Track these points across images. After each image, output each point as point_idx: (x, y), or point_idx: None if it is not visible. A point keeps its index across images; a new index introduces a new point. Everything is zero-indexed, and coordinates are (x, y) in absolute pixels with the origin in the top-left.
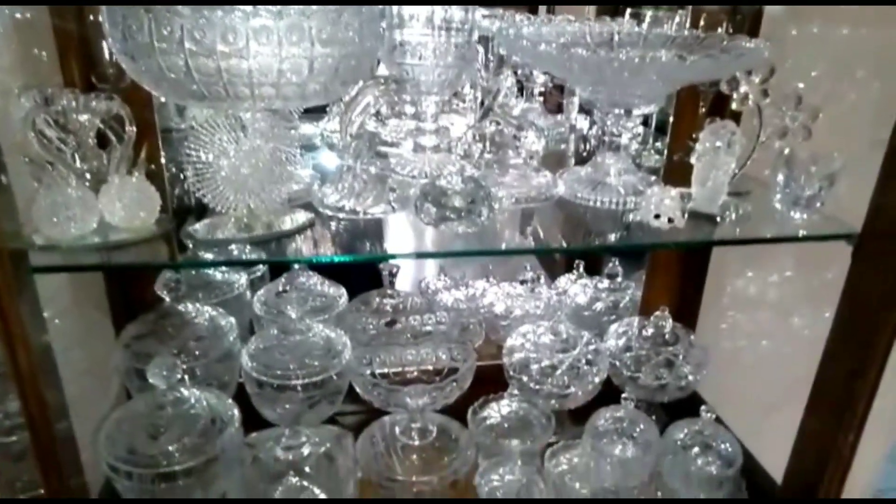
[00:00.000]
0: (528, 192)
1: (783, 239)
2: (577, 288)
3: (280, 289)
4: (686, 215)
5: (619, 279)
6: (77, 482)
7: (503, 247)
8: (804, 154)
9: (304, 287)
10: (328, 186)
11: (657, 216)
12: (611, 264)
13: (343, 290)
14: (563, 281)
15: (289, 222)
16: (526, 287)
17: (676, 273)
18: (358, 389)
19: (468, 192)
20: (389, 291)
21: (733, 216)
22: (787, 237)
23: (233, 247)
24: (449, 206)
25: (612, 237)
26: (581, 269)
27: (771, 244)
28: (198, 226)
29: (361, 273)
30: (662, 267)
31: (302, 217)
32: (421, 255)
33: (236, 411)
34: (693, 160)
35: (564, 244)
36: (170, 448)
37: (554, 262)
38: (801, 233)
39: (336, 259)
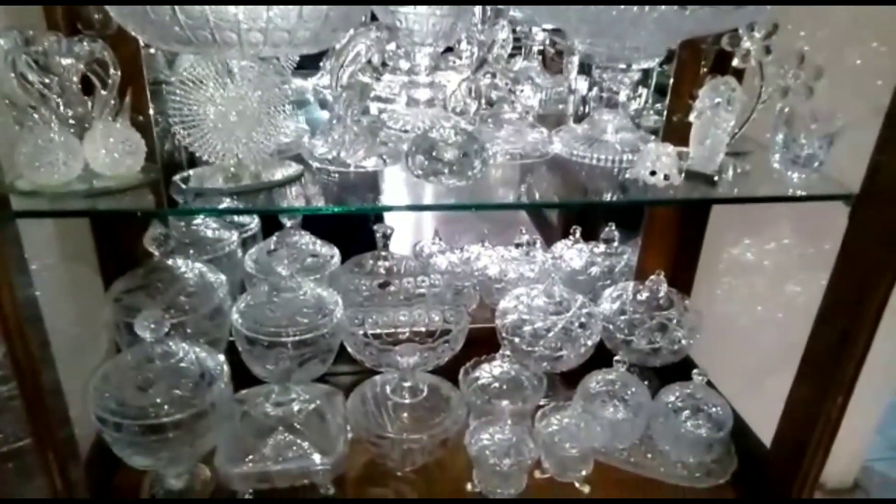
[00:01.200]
0: (523, 148)
1: (780, 198)
2: (572, 252)
3: (272, 248)
4: (683, 174)
5: (616, 244)
6: (65, 433)
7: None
8: (805, 112)
9: (297, 246)
10: (318, 138)
11: (653, 173)
12: (607, 229)
13: (336, 251)
14: (560, 246)
15: (278, 174)
16: (521, 251)
17: (672, 238)
18: (350, 349)
19: (460, 145)
20: (383, 253)
21: (731, 175)
22: (785, 196)
23: (220, 197)
24: (440, 159)
25: (607, 194)
26: (578, 235)
27: (768, 204)
28: (184, 175)
29: (355, 234)
30: (658, 232)
31: (291, 169)
32: (410, 208)
33: (225, 366)
34: (692, 118)
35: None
36: (158, 400)
37: (551, 229)
38: (799, 192)
39: (324, 210)
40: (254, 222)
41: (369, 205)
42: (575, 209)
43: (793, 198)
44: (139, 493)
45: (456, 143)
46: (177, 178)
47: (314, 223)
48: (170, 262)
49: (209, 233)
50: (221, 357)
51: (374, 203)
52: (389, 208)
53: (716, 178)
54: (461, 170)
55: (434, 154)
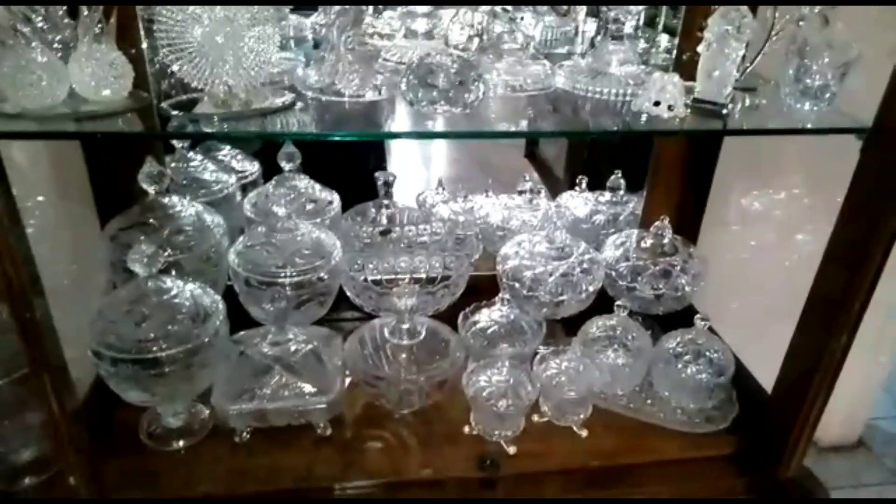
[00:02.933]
0: (524, 81)
1: (790, 131)
2: (577, 201)
3: (271, 191)
4: (688, 106)
5: (621, 192)
6: (58, 358)
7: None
8: (818, 43)
9: (296, 190)
10: (311, 67)
11: (657, 103)
12: (612, 177)
13: (336, 196)
14: (565, 196)
15: (269, 102)
16: (524, 198)
17: (678, 186)
18: (349, 293)
19: (456, 72)
20: (385, 202)
21: (739, 108)
22: (795, 129)
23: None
24: (435, 86)
25: (611, 126)
26: (584, 185)
27: (778, 150)
28: (173, 101)
29: (356, 181)
30: (664, 179)
31: (282, 97)
32: (401, 136)
33: (221, 303)
34: (700, 48)
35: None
36: (152, 335)
37: (556, 181)
38: (809, 125)
39: (311, 136)
40: (254, 167)
41: (359, 132)
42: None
43: (803, 130)
44: (138, 431)
45: (451, 69)
46: (165, 103)
47: (315, 170)
48: (166, 200)
49: (207, 175)
50: (217, 295)
51: (365, 130)
52: (378, 135)
53: (724, 110)
54: (457, 98)
55: (429, 81)
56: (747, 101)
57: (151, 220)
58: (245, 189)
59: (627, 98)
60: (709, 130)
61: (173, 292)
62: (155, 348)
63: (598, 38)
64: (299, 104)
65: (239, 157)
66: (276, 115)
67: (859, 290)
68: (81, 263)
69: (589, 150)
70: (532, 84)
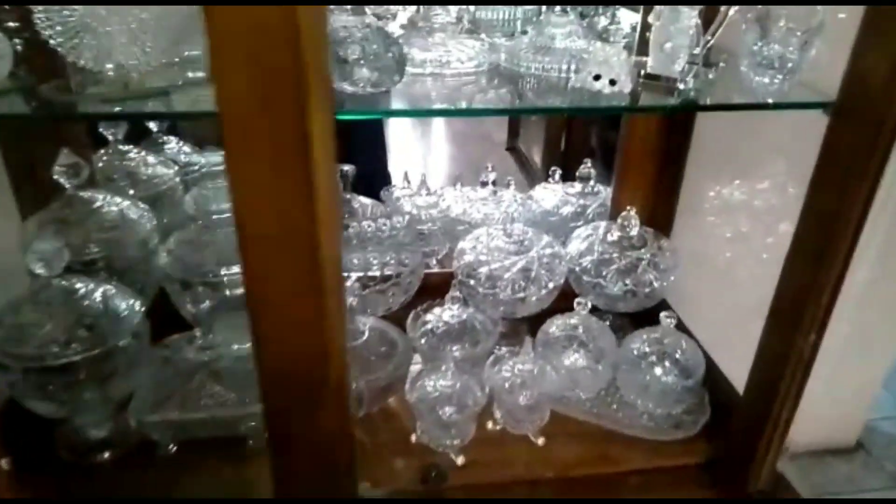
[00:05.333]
0: (458, 58)
1: (747, 106)
2: (546, 192)
3: (214, 185)
4: (633, 80)
5: (592, 182)
6: None
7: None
8: (779, 11)
9: None
10: None
11: (597, 77)
12: (582, 167)
13: None
14: (539, 188)
15: (165, 82)
16: (488, 190)
17: (649, 175)
18: None
19: (370, 44)
20: (347, 196)
21: (694, 82)
22: (755, 104)
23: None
24: (345, 60)
25: (554, 103)
26: (557, 177)
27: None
28: (57, 83)
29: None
30: (634, 168)
31: (180, 76)
32: None
33: (138, 305)
34: (650, 18)
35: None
36: (59, 340)
37: (535, 175)
38: (770, 100)
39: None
40: (202, 161)
41: None
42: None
43: (761, 106)
44: (56, 443)
45: (363, 41)
46: (48, 85)
47: None
48: (86, 195)
49: (146, 169)
50: (133, 297)
51: None
52: None
53: (677, 84)
54: (376, 76)
55: (340, 54)
56: (706, 76)
57: (69, 217)
58: (187, 185)
59: (572, 75)
60: (659, 107)
61: (81, 293)
62: (58, 354)
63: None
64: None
65: (186, 150)
66: (174, 95)
67: (826, 281)
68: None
69: (566, 141)
70: (468, 60)
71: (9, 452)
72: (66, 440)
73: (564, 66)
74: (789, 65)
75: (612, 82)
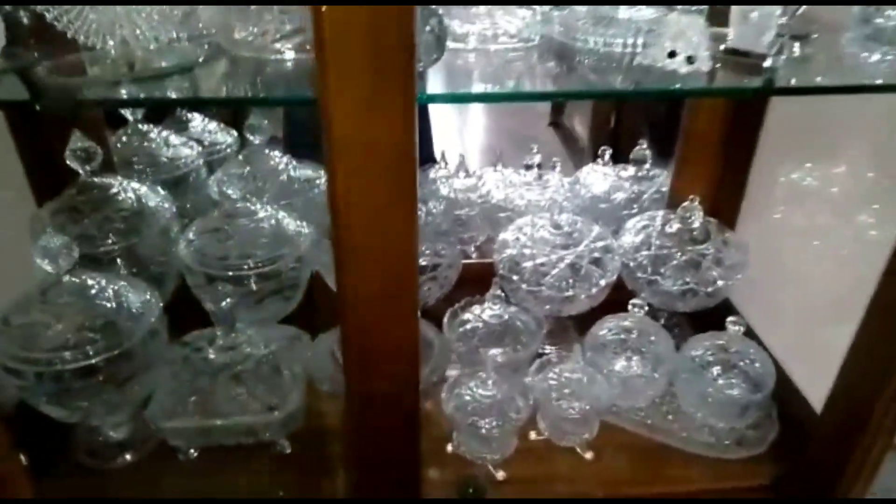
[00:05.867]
0: (507, 30)
1: (854, 88)
2: (595, 176)
3: (239, 169)
4: (717, 59)
5: (647, 166)
6: None
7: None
8: None
9: (268, 167)
10: (237, 17)
11: (672, 54)
12: (637, 148)
13: (321, 174)
14: (586, 171)
15: (176, 59)
16: (533, 173)
17: (715, 159)
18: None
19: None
20: None
21: (784, 58)
22: (859, 86)
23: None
24: None
25: (616, 84)
26: (607, 157)
27: (838, 108)
28: (55, 62)
29: None
30: (697, 151)
31: (194, 53)
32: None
33: (156, 301)
34: None
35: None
36: (65, 343)
37: (583, 152)
38: (879, 80)
39: (213, 100)
40: (228, 140)
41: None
42: (605, 130)
43: (871, 88)
44: (74, 445)
45: None
46: (44, 64)
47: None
48: (101, 181)
49: (166, 150)
50: (149, 293)
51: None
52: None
53: (764, 62)
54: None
55: None
56: (796, 51)
57: (82, 205)
58: (212, 166)
59: (639, 50)
60: (741, 89)
61: (94, 290)
62: (70, 359)
63: None
64: (223, 64)
65: (211, 128)
66: (183, 76)
67: None
68: (15, 253)
69: (616, 117)
70: (517, 33)
71: (24, 454)
72: (84, 442)
73: (630, 40)
74: None
75: (690, 60)
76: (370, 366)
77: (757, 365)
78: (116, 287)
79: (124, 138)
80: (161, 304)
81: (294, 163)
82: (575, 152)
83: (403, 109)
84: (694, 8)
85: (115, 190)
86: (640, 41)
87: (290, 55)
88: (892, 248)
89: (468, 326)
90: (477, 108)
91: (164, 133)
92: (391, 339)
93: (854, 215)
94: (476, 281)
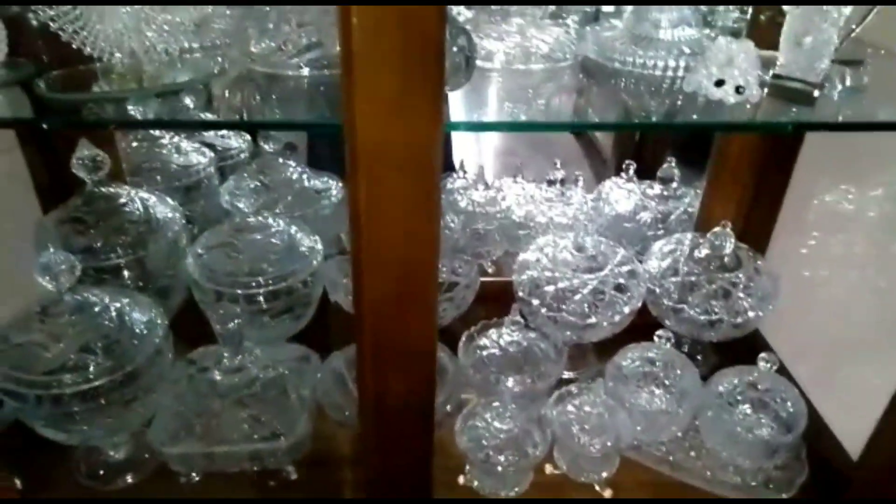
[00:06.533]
0: (538, 48)
1: None
2: (619, 193)
3: (252, 180)
4: (765, 85)
5: (675, 184)
6: None
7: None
8: None
9: (282, 177)
10: (253, 29)
11: (720, 82)
12: (665, 165)
13: (334, 185)
14: (608, 185)
15: (188, 75)
16: (555, 189)
17: (748, 179)
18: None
19: None
20: None
21: (839, 89)
22: None
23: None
24: None
25: (650, 112)
26: (631, 172)
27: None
28: (58, 73)
29: None
30: (730, 171)
31: (206, 67)
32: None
33: (161, 320)
34: (786, 7)
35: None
36: (64, 366)
37: (605, 164)
38: None
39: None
40: (242, 146)
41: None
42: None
43: None
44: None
45: None
46: (47, 76)
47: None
48: (107, 190)
49: (177, 157)
50: (154, 310)
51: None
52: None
53: (816, 92)
54: None
55: None
56: (848, 80)
57: (88, 216)
58: (224, 173)
59: (681, 74)
60: (791, 125)
61: (96, 308)
62: (70, 381)
63: None
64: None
65: (223, 133)
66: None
67: None
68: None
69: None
70: (549, 53)
71: (20, 475)
72: (83, 462)
73: (672, 63)
74: None
75: (739, 90)
76: (385, 371)
77: (788, 404)
78: (120, 304)
79: (134, 143)
80: (166, 323)
81: (308, 172)
82: (595, 162)
83: (431, 112)
84: (732, 23)
85: (122, 200)
86: (682, 64)
87: (306, 71)
88: None
89: (485, 353)
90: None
91: (176, 139)
92: (409, 341)
93: (892, 243)
94: (493, 300)
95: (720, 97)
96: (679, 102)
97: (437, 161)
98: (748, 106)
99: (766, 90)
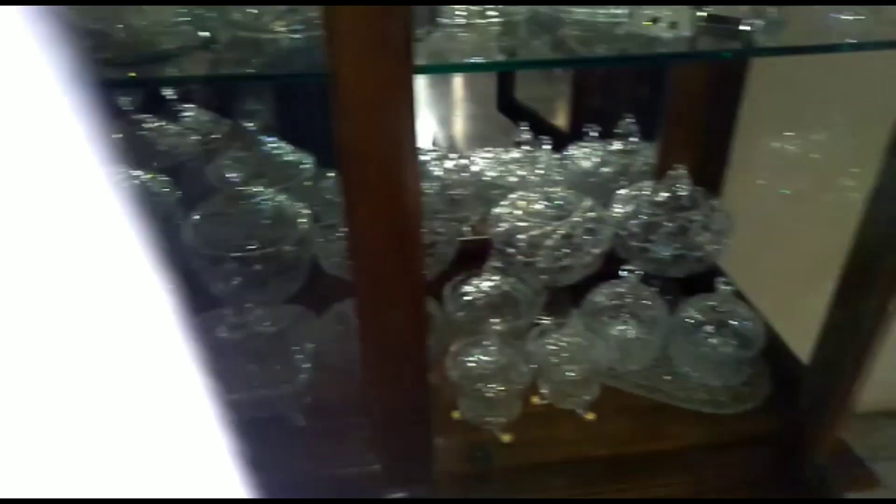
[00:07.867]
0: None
1: (829, 47)
2: (583, 151)
3: (234, 155)
4: (700, 25)
5: (633, 139)
6: None
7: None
8: None
9: (262, 152)
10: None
11: (654, 20)
12: (623, 121)
13: (309, 159)
14: (572, 147)
15: (178, 40)
16: (522, 151)
17: (698, 129)
18: (324, 265)
19: None
20: None
21: (763, 23)
22: (835, 44)
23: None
24: None
25: (600, 51)
26: (592, 135)
27: (818, 81)
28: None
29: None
30: (681, 121)
31: (197, 33)
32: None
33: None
34: None
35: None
36: None
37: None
38: (850, 39)
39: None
40: (223, 129)
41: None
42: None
43: (848, 46)
44: None
45: None
46: None
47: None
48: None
49: (165, 139)
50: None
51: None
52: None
53: (739, 26)
54: None
55: None
56: (770, 14)
57: None
58: (207, 156)
59: (625, 20)
60: (718, 53)
61: None
62: None
63: None
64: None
65: (203, 118)
66: (183, 57)
67: None
68: None
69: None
70: (504, 9)
71: None
72: None
73: (616, 11)
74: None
75: (673, 26)
76: (382, 309)
77: (747, 323)
78: None
79: (121, 129)
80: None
81: (288, 147)
82: (555, 135)
83: (402, 55)
84: None
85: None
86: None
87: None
88: (863, 210)
89: (468, 298)
90: (438, 97)
91: (161, 123)
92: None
93: (834, 179)
94: (473, 258)
95: (656, 33)
96: (624, 43)
97: (411, 99)
98: (684, 41)
99: (699, 29)
